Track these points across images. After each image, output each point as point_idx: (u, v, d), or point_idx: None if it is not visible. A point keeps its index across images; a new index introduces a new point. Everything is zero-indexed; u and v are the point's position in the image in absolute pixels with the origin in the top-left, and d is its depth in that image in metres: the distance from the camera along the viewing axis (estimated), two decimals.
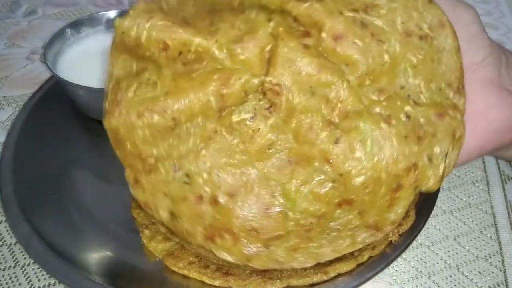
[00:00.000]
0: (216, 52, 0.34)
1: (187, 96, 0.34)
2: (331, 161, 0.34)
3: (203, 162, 0.34)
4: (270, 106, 0.34)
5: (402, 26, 0.35)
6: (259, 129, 0.34)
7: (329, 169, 0.34)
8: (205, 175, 0.34)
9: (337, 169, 0.34)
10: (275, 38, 0.34)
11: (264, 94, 0.34)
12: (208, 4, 0.38)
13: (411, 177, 0.34)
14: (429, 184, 0.35)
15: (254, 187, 0.34)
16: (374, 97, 0.34)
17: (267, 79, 0.34)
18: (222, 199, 0.34)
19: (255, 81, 0.34)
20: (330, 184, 0.34)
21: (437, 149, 0.34)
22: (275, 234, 0.35)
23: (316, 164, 0.34)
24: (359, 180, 0.34)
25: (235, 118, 0.34)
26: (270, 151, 0.34)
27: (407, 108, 0.34)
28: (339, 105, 0.34)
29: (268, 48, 0.34)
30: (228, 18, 0.35)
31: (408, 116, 0.34)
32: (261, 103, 0.34)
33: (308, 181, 0.34)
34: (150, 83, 0.35)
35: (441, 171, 0.34)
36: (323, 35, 0.34)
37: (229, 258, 0.35)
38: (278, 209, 0.34)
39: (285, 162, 0.34)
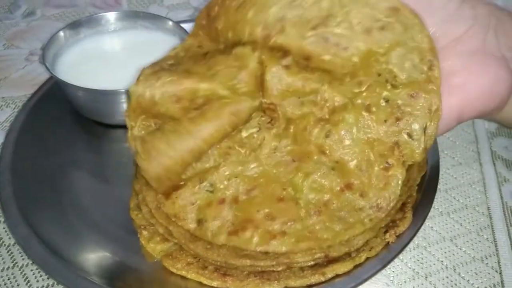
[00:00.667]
0: (221, 92, 0.40)
1: (206, 127, 0.40)
2: (326, 152, 0.41)
3: (223, 172, 0.42)
4: (271, 120, 0.42)
5: (360, 26, 0.40)
6: (264, 138, 0.42)
7: (326, 160, 0.41)
8: (225, 182, 0.42)
9: (332, 158, 0.41)
10: (261, 65, 0.40)
11: (264, 111, 0.42)
12: (200, 53, 0.44)
13: (396, 154, 0.39)
14: (415, 157, 0.39)
15: (268, 185, 0.41)
16: (356, 90, 0.40)
17: (263, 100, 0.41)
18: (241, 198, 0.41)
19: (257, 103, 0.41)
20: (330, 172, 0.41)
21: (415, 126, 0.39)
22: (290, 220, 0.40)
23: (315, 157, 0.41)
24: (353, 163, 0.40)
25: (244, 134, 0.42)
26: (276, 154, 0.42)
27: (385, 93, 0.39)
28: (327, 104, 0.40)
29: (259, 74, 0.41)
30: (222, 61, 0.41)
31: (386, 100, 0.39)
32: (263, 119, 0.42)
33: (311, 173, 0.41)
34: (175, 132, 0.40)
35: (422, 144, 0.39)
36: (296, 58, 0.40)
37: (253, 247, 0.40)
38: (290, 199, 0.41)
39: (289, 161, 0.41)
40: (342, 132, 0.40)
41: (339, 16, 0.40)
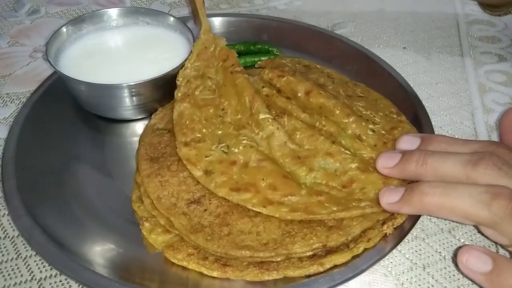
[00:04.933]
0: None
1: (233, 98, 0.52)
2: (332, 154, 0.47)
3: (241, 140, 0.48)
4: (280, 124, 0.49)
5: (344, 93, 0.56)
6: (278, 128, 0.48)
7: (331, 160, 0.47)
8: (241, 147, 0.48)
9: (337, 160, 0.47)
10: (269, 96, 0.54)
11: (274, 118, 0.50)
12: None
13: None
14: None
15: (275, 165, 0.46)
16: (345, 120, 0.50)
17: (272, 111, 0.51)
18: (251, 165, 0.46)
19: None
20: (333, 170, 0.46)
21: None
22: (291, 194, 0.44)
23: (320, 157, 0.47)
24: (354, 165, 0.46)
25: (261, 116, 0.49)
26: (284, 148, 0.48)
27: (371, 126, 0.50)
28: (324, 128, 0.50)
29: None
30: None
31: (373, 131, 0.50)
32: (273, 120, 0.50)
33: (315, 170, 0.46)
34: (211, 89, 0.53)
35: None
36: (299, 94, 0.53)
37: (249, 206, 0.43)
38: (293, 179, 0.45)
39: (295, 157, 0.47)
40: (345, 146, 0.48)
41: (329, 86, 0.57)
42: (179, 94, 0.53)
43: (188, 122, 0.50)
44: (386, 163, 0.44)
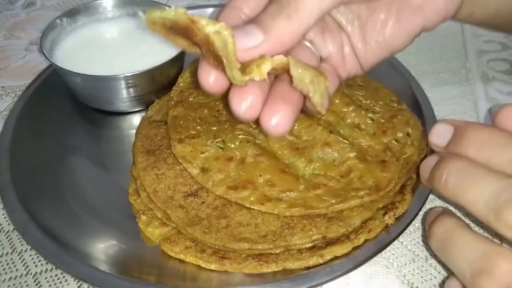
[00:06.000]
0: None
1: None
2: (330, 144, 0.46)
3: (237, 134, 0.47)
4: None
5: (344, 82, 0.49)
6: None
7: (329, 150, 0.46)
8: (237, 143, 0.46)
9: (335, 149, 0.46)
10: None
11: None
12: None
13: (389, 154, 0.46)
14: (407, 154, 0.47)
15: (273, 158, 0.45)
16: (344, 109, 0.50)
17: None
18: (248, 160, 0.45)
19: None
20: (332, 161, 0.45)
21: (399, 134, 0.48)
22: (289, 190, 0.43)
23: (319, 148, 0.46)
24: (353, 154, 0.46)
25: None
26: (282, 139, 0.47)
27: (370, 115, 0.50)
28: (323, 117, 0.48)
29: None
30: None
31: (372, 119, 0.49)
32: None
33: (313, 161, 0.45)
34: (205, 95, 0.52)
35: (409, 143, 0.48)
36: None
37: (247, 204, 0.42)
38: (291, 173, 0.44)
39: (293, 149, 0.46)
40: (343, 136, 0.47)
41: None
42: (172, 103, 0.52)
43: (182, 122, 0.49)
44: (424, 173, 0.37)
